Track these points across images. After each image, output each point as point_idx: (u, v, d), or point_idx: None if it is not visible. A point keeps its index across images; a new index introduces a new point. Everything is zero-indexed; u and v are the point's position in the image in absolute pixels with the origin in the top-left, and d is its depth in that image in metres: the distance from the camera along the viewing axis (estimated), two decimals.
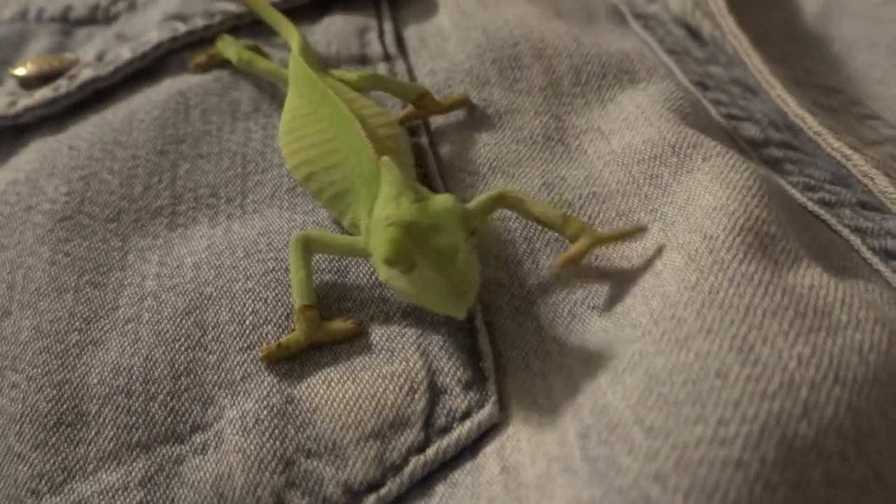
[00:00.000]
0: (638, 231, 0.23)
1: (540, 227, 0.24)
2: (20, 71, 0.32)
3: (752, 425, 0.16)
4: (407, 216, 0.20)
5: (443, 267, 0.19)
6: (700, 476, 0.15)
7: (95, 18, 0.36)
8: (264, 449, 0.20)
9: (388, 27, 0.32)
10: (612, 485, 0.16)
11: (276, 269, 0.24)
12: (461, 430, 0.20)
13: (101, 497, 0.20)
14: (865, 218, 0.25)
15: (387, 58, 0.31)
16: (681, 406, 0.17)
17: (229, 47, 0.31)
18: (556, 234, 0.24)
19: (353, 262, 0.24)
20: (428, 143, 0.28)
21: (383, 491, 0.19)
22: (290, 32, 0.30)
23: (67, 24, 0.36)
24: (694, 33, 0.33)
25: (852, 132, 0.28)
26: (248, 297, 0.23)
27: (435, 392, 0.21)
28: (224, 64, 0.32)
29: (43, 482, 0.21)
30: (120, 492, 0.20)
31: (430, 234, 0.19)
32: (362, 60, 0.31)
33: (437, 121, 0.28)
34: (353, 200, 0.23)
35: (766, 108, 0.29)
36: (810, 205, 0.26)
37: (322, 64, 0.30)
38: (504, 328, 0.22)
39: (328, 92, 0.25)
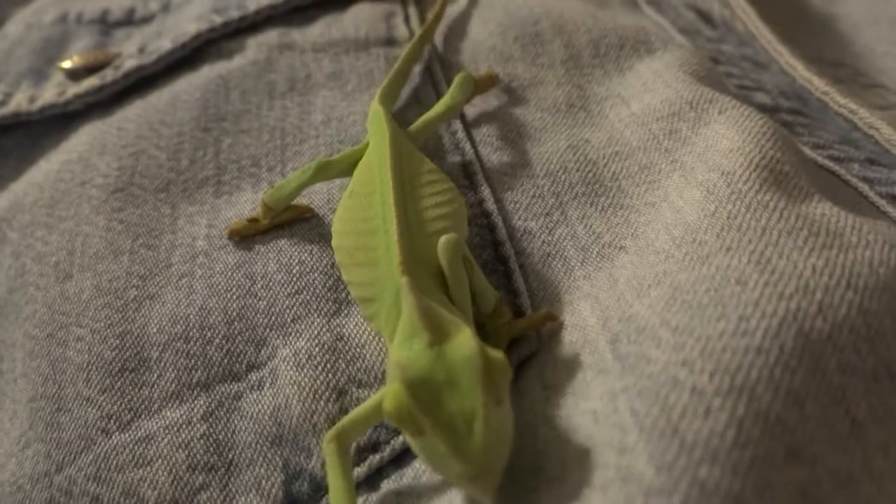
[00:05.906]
0: (551, 318, 0.21)
1: (567, 181, 0.26)
2: (67, 64, 0.34)
3: (771, 320, 0.17)
4: (414, 371, 0.17)
5: (456, 442, 0.16)
6: (724, 360, 0.17)
7: (132, 20, 0.38)
8: (318, 381, 0.21)
9: (412, 11, 0.34)
10: (643, 372, 0.17)
11: (320, 224, 0.25)
12: None
13: (167, 431, 0.22)
14: (873, 171, 0.26)
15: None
16: (704, 308, 0.18)
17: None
18: (583, 189, 0.25)
19: None
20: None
21: None
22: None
23: (106, 25, 0.38)
24: (704, 16, 0.35)
25: (859, 97, 0.29)
26: (294, 249, 0.25)
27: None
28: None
29: (112, 422, 0.22)
30: (184, 426, 0.22)
31: (443, 393, 0.16)
32: (389, 42, 0.33)
33: None
34: (377, 311, 0.21)
35: (775, 80, 0.31)
36: (820, 160, 0.27)
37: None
38: (536, 270, 0.23)
39: (387, 176, 0.22)
